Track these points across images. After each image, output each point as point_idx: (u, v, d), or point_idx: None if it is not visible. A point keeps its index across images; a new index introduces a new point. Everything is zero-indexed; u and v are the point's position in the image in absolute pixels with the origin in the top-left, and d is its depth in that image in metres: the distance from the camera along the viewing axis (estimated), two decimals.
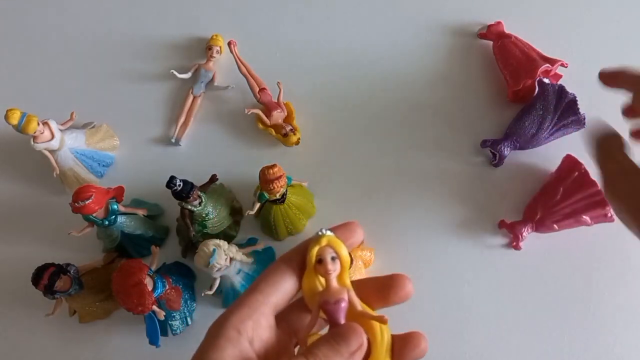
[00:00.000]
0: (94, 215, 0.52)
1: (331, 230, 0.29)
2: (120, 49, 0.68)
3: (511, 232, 0.56)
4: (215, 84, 0.65)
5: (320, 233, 0.28)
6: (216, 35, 0.66)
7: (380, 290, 0.29)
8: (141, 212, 0.56)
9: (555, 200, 0.55)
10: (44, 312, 0.54)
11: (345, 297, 0.27)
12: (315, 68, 0.65)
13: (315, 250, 0.28)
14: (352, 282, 0.29)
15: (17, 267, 0.56)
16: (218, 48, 0.65)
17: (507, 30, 0.63)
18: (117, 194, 0.55)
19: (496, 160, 0.58)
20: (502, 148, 0.56)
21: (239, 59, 0.63)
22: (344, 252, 0.28)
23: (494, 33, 0.63)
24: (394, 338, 0.28)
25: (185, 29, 0.68)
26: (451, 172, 0.60)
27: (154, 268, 0.53)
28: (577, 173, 0.55)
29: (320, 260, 0.27)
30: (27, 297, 0.56)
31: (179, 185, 0.52)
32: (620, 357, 0.53)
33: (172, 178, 0.51)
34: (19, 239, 0.61)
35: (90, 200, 0.51)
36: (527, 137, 0.56)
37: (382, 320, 0.27)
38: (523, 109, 0.57)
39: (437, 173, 0.60)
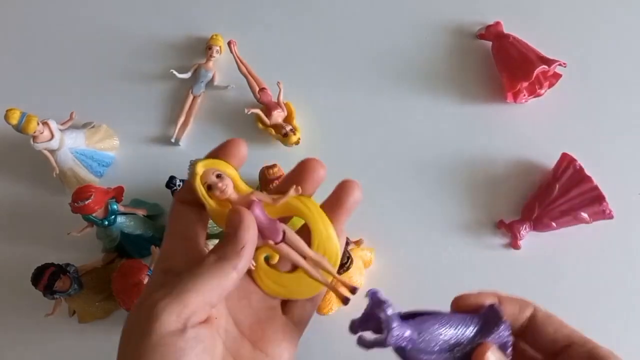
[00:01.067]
0: (94, 215, 0.52)
1: (207, 156, 0.28)
2: (120, 48, 0.68)
3: (509, 232, 0.56)
4: (215, 83, 0.65)
5: (191, 162, 0.27)
6: (216, 35, 0.66)
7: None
8: (141, 212, 0.56)
9: (551, 198, 0.55)
10: (43, 312, 0.54)
11: (254, 198, 0.27)
12: (315, 68, 0.65)
13: (197, 182, 0.27)
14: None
15: (17, 267, 0.56)
16: (218, 48, 0.65)
17: (506, 31, 0.63)
18: (117, 193, 0.55)
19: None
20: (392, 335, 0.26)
21: (239, 59, 0.63)
22: (223, 166, 0.27)
23: (492, 34, 0.63)
24: (328, 200, 0.29)
25: (185, 29, 0.68)
26: (451, 172, 0.60)
27: (153, 268, 0.53)
28: (572, 170, 0.55)
29: (209, 187, 0.27)
30: (26, 297, 0.56)
31: (179, 185, 0.52)
32: (622, 355, 0.53)
33: (172, 178, 0.51)
34: (18, 239, 0.61)
35: (90, 200, 0.51)
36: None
37: (296, 191, 0.27)
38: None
39: (437, 174, 0.60)
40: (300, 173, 0.28)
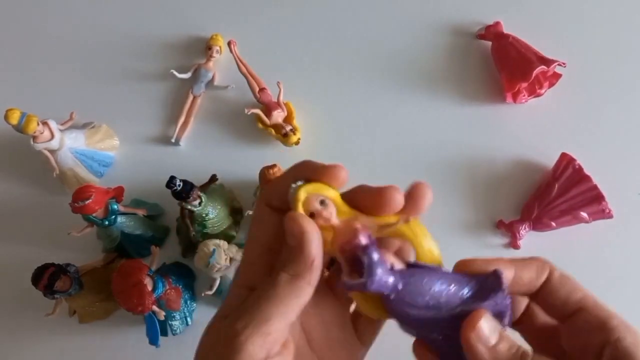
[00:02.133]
0: (94, 215, 0.52)
1: (306, 180, 0.26)
2: (120, 48, 0.68)
3: (509, 232, 0.56)
4: (215, 83, 0.65)
5: (293, 187, 0.25)
6: (216, 35, 0.66)
7: (373, 205, 0.27)
8: (141, 212, 0.56)
9: (551, 198, 0.55)
10: (44, 312, 0.54)
11: (358, 225, 0.25)
12: (316, 68, 0.65)
13: (299, 209, 0.25)
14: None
15: (17, 267, 0.56)
16: (218, 48, 0.65)
17: (506, 31, 0.63)
18: (117, 194, 0.55)
19: None
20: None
21: (239, 59, 0.63)
22: (328, 191, 0.26)
23: (492, 34, 0.63)
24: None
25: (185, 29, 0.68)
26: (450, 172, 0.60)
27: (153, 268, 0.53)
28: (571, 169, 0.55)
29: (312, 214, 0.25)
30: (27, 297, 0.56)
31: (179, 185, 0.52)
32: None
33: (172, 178, 0.51)
34: (19, 239, 0.61)
35: (90, 200, 0.51)
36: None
37: (406, 220, 0.26)
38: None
39: (437, 173, 0.60)
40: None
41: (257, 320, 0.23)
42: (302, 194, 0.25)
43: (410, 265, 0.26)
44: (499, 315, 0.24)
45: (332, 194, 0.26)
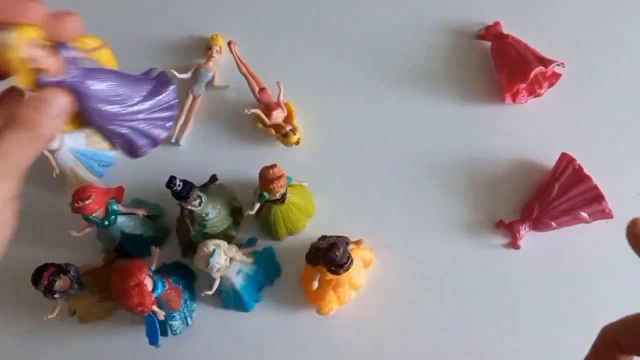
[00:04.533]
0: (94, 215, 0.52)
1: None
2: (120, 48, 0.68)
3: (509, 232, 0.56)
4: (215, 83, 0.65)
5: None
6: (216, 35, 0.66)
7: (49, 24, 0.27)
8: (141, 212, 0.56)
9: (551, 198, 0.55)
10: (44, 312, 0.54)
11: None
12: (316, 68, 0.65)
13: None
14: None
15: (17, 267, 0.56)
16: (218, 48, 0.65)
17: (506, 31, 0.63)
18: (117, 194, 0.55)
19: None
20: None
21: (239, 59, 0.63)
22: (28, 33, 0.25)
23: (491, 34, 0.63)
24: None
25: (185, 29, 0.68)
26: (450, 172, 0.60)
27: (153, 268, 0.53)
28: (571, 169, 0.55)
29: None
30: (27, 297, 0.56)
31: (179, 185, 0.51)
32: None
33: (172, 178, 0.51)
34: (18, 239, 0.60)
35: (90, 200, 0.51)
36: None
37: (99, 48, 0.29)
38: None
39: (437, 173, 0.60)
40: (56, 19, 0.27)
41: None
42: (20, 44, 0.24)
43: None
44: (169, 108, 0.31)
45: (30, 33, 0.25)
